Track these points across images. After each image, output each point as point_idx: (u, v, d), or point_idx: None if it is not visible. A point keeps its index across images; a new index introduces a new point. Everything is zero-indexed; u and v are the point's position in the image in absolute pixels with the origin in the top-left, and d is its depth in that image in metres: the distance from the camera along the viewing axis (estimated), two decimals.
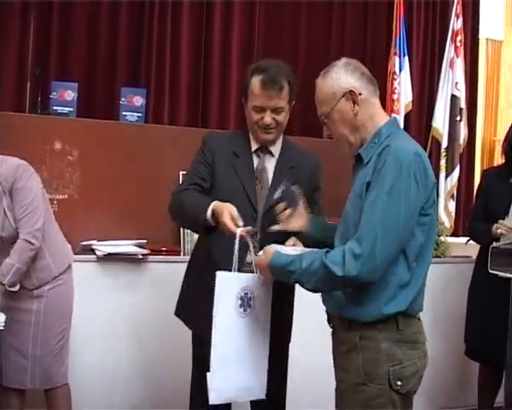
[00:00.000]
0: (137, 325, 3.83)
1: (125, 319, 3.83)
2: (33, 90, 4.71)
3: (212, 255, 2.77)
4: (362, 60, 2.39)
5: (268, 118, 2.76)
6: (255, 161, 2.86)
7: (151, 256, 3.84)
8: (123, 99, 4.38)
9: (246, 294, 2.45)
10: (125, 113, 4.36)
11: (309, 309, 2.88)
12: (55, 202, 3.97)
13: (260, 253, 2.40)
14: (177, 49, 5.51)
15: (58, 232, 3.35)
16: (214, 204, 2.64)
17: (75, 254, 3.69)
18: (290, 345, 2.99)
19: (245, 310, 2.46)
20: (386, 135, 2.29)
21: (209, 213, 2.63)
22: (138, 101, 4.39)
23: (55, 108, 4.18)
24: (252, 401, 2.80)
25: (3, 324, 2.95)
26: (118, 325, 3.82)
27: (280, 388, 2.93)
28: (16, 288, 3.11)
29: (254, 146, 2.87)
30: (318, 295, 2.38)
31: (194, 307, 2.86)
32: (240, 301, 2.44)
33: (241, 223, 2.53)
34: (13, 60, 5.10)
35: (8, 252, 3.08)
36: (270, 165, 2.87)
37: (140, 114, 4.38)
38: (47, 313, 3.21)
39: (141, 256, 3.81)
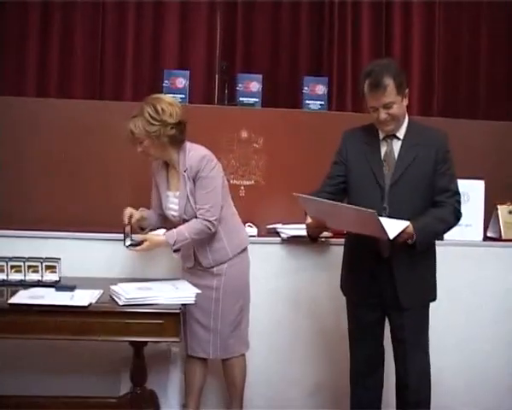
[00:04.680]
0: (319, 304, 3.96)
1: (308, 300, 3.96)
2: (221, 83, 4.93)
3: None
4: None
5: (382, 115, 3.10)
6: (383, 147, 3.21)
7: (333, 239, 3.91)
8: (305, 88, 4.48)
9: None
10: (307, 101, 4.47)
11: None
12: (243, 188, 4.19)
13: None
14: (358, 37, 5.51)
15: (235, 216, 3.58)
16: None
17: (261, 236, 3.91)
18: None
19: None
20: None
21: None
22: (321, 89, 4.48)
23: (241, 99, 4.38)
24: None
25: (194, 299, 3.20)
26: (299, 305, 3.97)
27: None
28: (190, 264, 3.47)
29: (382, 135, 3.22)
30: None
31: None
32: None
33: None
34: (202, 55, 5.36)
35: None
36: (397, 147, 3.20)
37: (322, 102, 4.48)
38: (225, 290, 3.46)
39: (323, 239, 3.89)
